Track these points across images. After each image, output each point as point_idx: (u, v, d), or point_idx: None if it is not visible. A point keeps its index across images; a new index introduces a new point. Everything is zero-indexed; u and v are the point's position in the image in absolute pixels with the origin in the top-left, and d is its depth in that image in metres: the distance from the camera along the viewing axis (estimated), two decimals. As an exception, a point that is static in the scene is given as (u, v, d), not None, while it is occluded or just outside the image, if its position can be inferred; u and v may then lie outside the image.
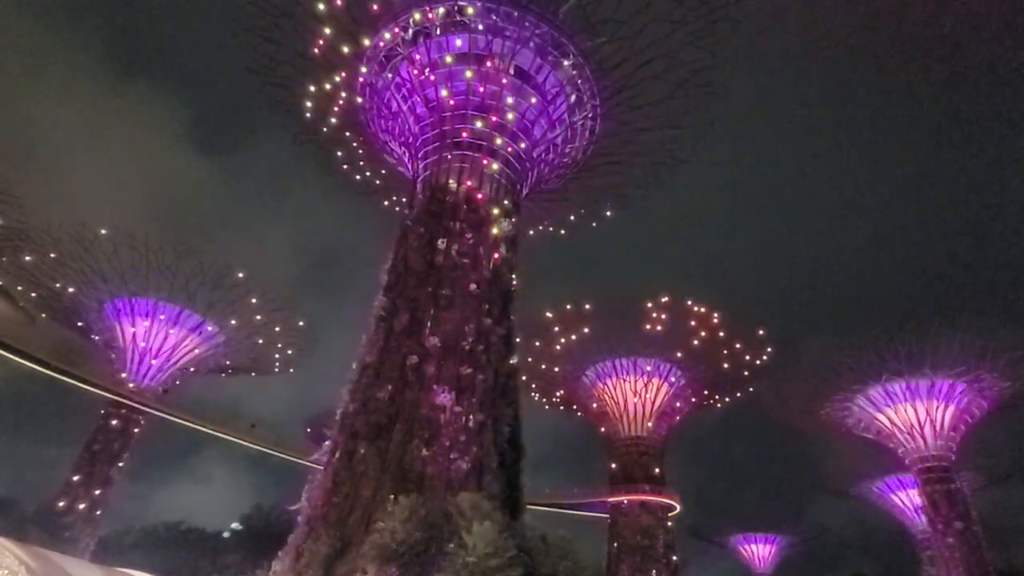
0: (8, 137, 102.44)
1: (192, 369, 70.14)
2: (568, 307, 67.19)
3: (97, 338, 67.49)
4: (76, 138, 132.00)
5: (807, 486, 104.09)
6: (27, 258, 58.80)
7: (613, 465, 70.73)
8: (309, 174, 53.16)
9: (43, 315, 66.88)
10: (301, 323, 71.74)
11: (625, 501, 66.78)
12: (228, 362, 73.86)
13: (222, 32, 41.88)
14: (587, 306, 66.62)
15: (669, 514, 67.88)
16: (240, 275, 64.17)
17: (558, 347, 70.57)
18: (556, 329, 68.90)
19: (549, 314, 67.91)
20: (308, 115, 46.99)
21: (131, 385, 63.27)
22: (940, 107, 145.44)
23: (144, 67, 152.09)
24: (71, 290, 63.17)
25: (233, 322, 67.67)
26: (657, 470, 69.41)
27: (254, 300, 66.22)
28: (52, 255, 59.42)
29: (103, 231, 59.30)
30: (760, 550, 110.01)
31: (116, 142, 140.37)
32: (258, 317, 67.91)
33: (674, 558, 66.09)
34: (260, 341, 71.44)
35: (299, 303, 72.34)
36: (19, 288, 62.37)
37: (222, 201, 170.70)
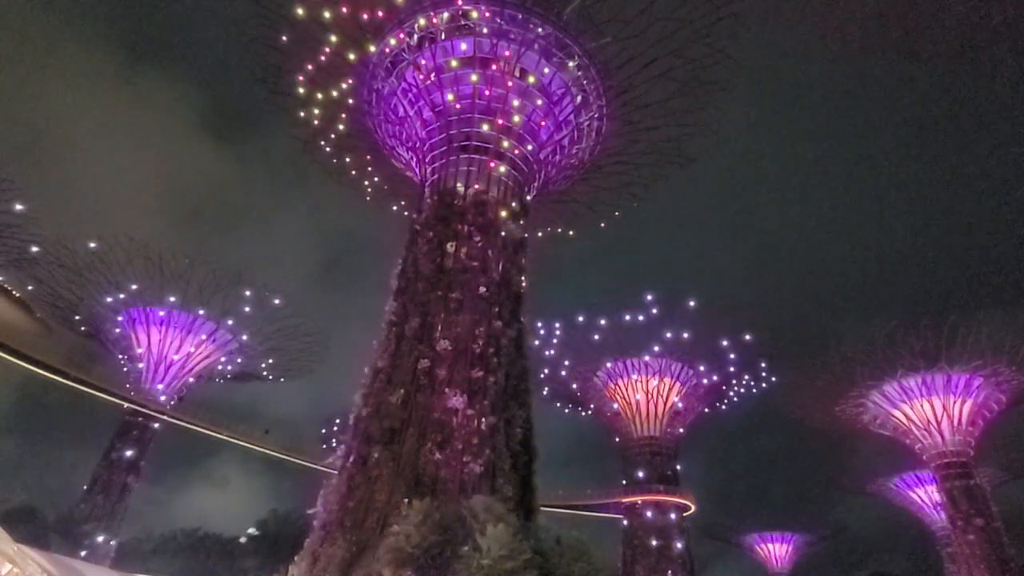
0: (18, 135, 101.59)
1: (207, 376, 70.90)
2: (578, 307, 67.24)
3: (113, 347, 68.41)
4: (86, 131, 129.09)
5: (830, 484, 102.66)
6: (44, 270, 59.78)
7: (626, 466, 70.53)
8: (333, 151, 52.55)
9: (60, 325, 67.89)
10: (313, 329, 72.22)
11: (639, 502, 66.52)
12: (242, 368, 74.55)
13: (233, 17, 41.97)
14: (597, 306, 66.61)
15: (684, 514, 67.51)
16: (253, 282, 64.92)
17: (569, 348, 70.53)
18: (566, 330, 68.89)
19: (557, 314, 67.99)
20: (316, 122, 47.36)
21: (147, 392, 64.02)
22: (951, 99, 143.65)
23: (155, 53, 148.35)
24: (87, 300, 64.11)
25: (246, 329, 68.34)
26: (671, 470, 69.11)
27: (267, 307, 66.86)
28: (68, 266, 60.37)
29: (117, 241, 60.16)
30: (777, 549, 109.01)
31: (127, 134, 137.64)
32: (271, 324, 68.54)
33: (690, 558, 65.71)
34: (273, 348, 72.05)
35: (313, 306, 72.35)
36: (36, 299, 63.39)
37: (237, 192, 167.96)
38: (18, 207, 52.56)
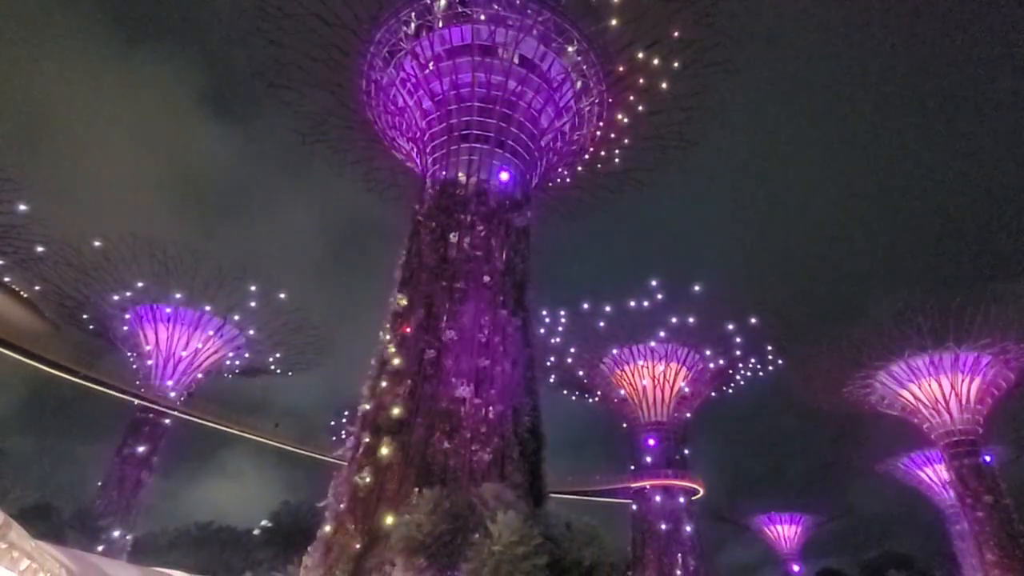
0: (14, 127, 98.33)
1: (215, 371, 71.40)
2: (583, 294, 67.26)
3: (121, 344, 68.88)
4: (84, 118, 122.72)
5: (839, 464, 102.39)
6: (51, 270, 60.08)
7: (634, 451, 70.89)
8: (334, 143, 51.67)
9: (68, 324, 68.32)
10: (319, 322, 72.64)
11: (648, 486, 66.91)
12: (250, 363, 75.01)
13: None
14: (602, 292, 66.62)
15: (692, 498, 67.89)
16: (258, 276, 65.19)
17: (575, 335, 70.62)
18: (571, 317, 68.95)
19: (562, 301, 68.01)
20: (315, 115, 47.17)
21: (157, 388, 64.53)
22: (962, 76, 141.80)
23: (150, 30, 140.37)
24: (93, 299, 64.49)
25: (253, 324, 68.70)
26: (679, 454, 69.39)
27: (272, 301, 67.15)
28: (75, 265, 60.68)
29: (122, 239, 60.37)
30: (786, 531, 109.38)
31: (126, 118, 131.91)
32: (277, 318, 68.87)
33: (699, 541, 66.16)
34: (280, 342, 72.43)
35: (319, 297, 72.10)
36: (44, 298, 63.74)
37: (241, 175, 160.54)
38: (21, 207, 52.66)
